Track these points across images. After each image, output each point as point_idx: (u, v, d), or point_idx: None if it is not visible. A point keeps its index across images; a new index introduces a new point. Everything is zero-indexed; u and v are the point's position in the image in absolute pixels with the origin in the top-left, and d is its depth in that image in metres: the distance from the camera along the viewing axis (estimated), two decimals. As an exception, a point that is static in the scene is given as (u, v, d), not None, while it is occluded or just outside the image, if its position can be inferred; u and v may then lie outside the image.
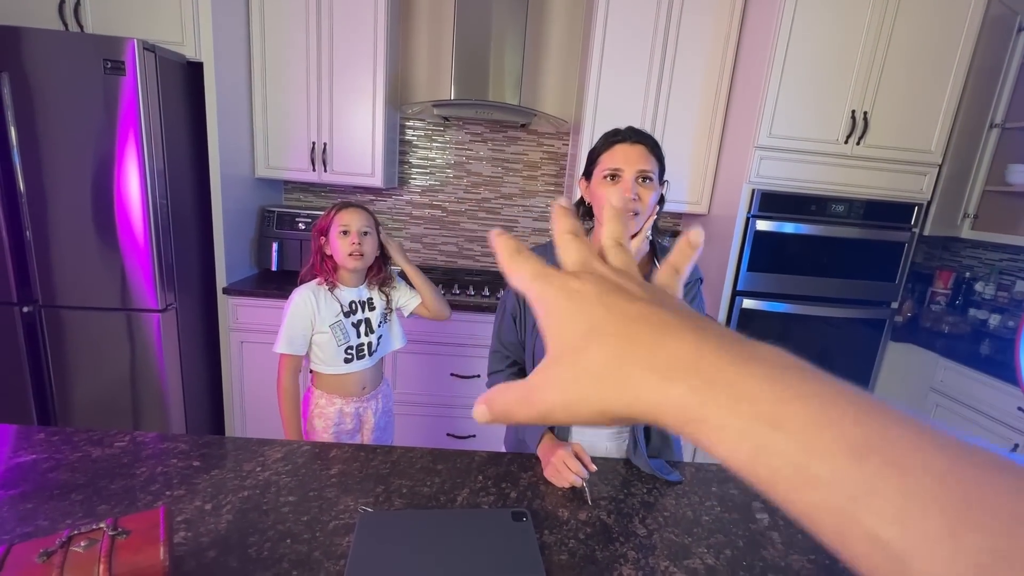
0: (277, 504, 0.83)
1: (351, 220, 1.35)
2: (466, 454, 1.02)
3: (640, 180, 0.98)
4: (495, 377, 1.19)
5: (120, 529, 0.60)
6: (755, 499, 0.95)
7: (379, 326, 1.47)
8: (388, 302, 1.50)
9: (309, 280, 1.40)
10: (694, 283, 1.06)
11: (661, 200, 1.05)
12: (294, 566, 0.70)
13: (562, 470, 0.93)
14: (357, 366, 1.42)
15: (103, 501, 0.80)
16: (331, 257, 1.38)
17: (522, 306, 1.13)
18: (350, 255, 1.34)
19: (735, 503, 0.94)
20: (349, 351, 1.40)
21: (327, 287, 1.37)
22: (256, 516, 0.80)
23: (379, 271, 1.47)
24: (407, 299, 1.54)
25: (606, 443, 1.11)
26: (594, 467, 0.94)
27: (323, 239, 1.37)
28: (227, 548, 0.72)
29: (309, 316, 1.35)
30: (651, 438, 1.07)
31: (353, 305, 1.41)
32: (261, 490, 0.86)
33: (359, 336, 1.42)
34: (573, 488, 0.93)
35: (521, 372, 1.18)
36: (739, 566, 0.77)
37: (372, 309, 1.46)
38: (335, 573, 0.69)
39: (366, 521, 0.78)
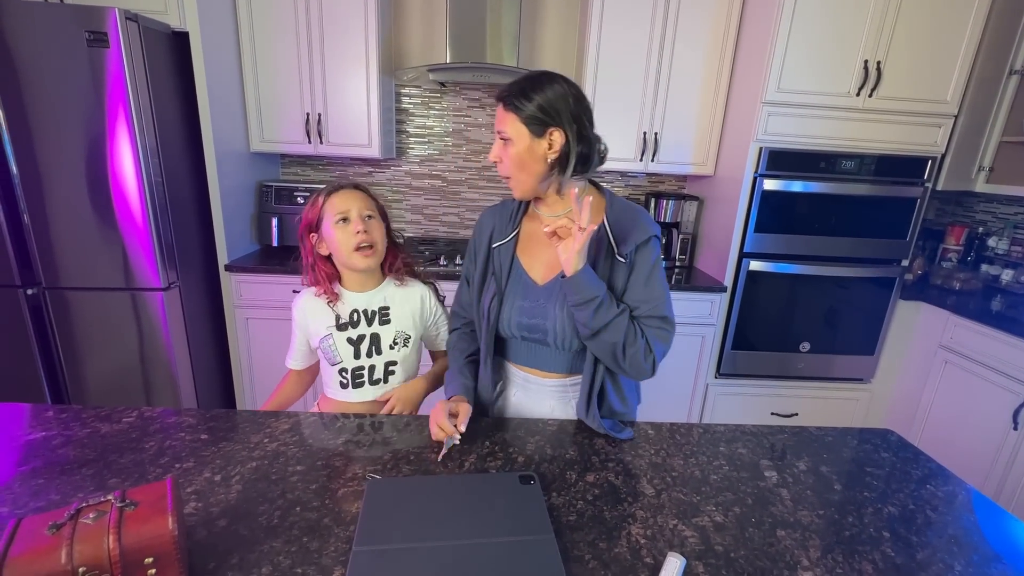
0: (286, 474, 0.83)
1: (348, 203, 1.07)
2: (472, 420, 1.02)
3: (502, 141, 0.98)
4: (451, 335, 1.19)
5: (128, 501, 0.60)
6: (763, 458, 0.95)
7: (394, 347, 1.14)
8: (423, 302, 1.18)
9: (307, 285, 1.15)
10: (647, 240, 1.00)
11: (571, 150, 0.95)
12: (304, 532, 0.70)
13: (432, 421, 0.95)
14: (357, 395, 1.14)
15: (113, 475, 0.81)
16: (327, 259, 1.11)
17: (476, 267, 1.10)
18: (358, 249, 1.06)
19: (743, 462, 0.93)
20: (344, 374, 1.13)
21: (326, 298, 1.11)
22: (265, 486, 0.80)
23: (395, 258, 1.17)
24: (437, 324, 1.22)
25: (550, 401, 1.08)
26: (463, 429, 0.92)
27: (314, 236, 1.09)
28: (237, 517, 0.73)
29: (303, 328, 1.15)
30: (603, 402, 1.05)
31: (354, 316, 1.12)
32: (269, 460, 0.87)
33: (357, 357, 1.12)
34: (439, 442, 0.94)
35: (473, 332, 1.16)
36: (748, 523, 0.77)
37: (386, 322, 1.14)
38: (345, 539, 0.69)
39: (375, 488, 0.79)
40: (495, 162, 1.01)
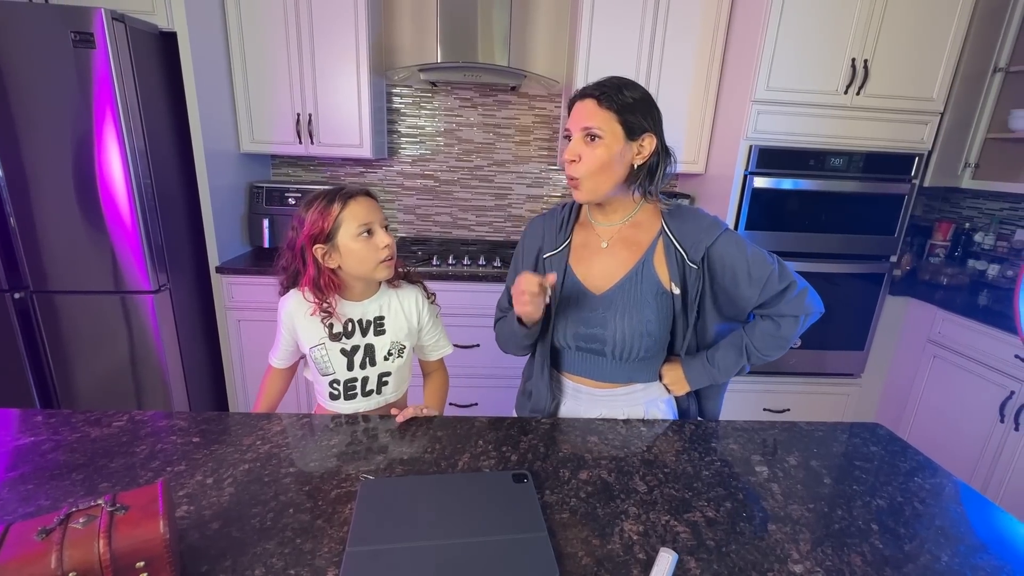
0: (278, 476, 0.83)
1: (370, 214, 0.99)
2: (466, 420, 1.03)
3: (587, 139, 0.92)
4: (501, 323, 1.15)
5: (119, 505, 0.59)
6: (754, 453, 0.96)
7: (389, 358, 1.10)
8: (418, 310, 1.12)
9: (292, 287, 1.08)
10: (715, 240, 0.96)
11: (659, 157, 0.95)
12: (297, 534, 0.70)
13: (521, 292, 0.91)
14: (348, 407, 1.11)
15: (104, 479, 0.80)
16: (333, 271, 1.02)
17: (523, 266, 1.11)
18: (384, 262, 1.01)
19: (735, 457, 0.94)
20: (335, 386, 1.09)
21: (320, 314, 1.03)
22: (258, 488, 0.80)
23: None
24: (433, 339, 1.18)
25: (600, 409, 1.09)
26: (552, 280, 0.92)
27: (323, 248, 0.99)
28: (230, 520, 0.73)
29: (291, 331, 1.09)
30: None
31: (349, 326, 1.06)
32: (262, 463, 0.86)
33: (350, 368, 1.08)
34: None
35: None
36: (739, 517, 0.78)
37: (380, 332, 1.09)
38: (338, 539, 0.69)
39: (368, 488, 0.79)
40: (570, 161, 0.93)
